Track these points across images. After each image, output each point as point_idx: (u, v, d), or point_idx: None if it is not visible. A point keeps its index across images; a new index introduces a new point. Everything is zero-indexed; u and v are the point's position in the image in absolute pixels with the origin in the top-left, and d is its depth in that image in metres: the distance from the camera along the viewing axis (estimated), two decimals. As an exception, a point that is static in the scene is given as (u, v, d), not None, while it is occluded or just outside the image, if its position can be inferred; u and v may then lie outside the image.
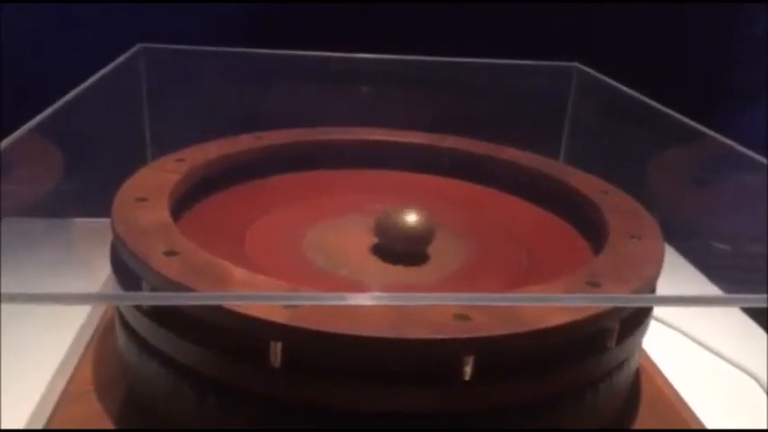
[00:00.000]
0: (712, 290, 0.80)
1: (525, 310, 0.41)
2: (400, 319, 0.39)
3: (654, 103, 0.70)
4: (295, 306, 0.39)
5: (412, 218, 0.55)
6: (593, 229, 0.58)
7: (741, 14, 1.02)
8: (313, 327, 0.38)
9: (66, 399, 0.51)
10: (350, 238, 0.58)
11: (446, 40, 0.85)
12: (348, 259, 0.56)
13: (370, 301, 0.39)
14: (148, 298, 0.43)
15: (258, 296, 0.41)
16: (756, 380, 0.67)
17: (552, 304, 0.42)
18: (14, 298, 0.31)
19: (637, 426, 0.51)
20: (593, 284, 0.45)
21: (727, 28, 1.04)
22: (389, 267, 0.55)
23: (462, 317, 0.40)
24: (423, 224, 0.56)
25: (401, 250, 0.56)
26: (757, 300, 0.36)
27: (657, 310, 0.53)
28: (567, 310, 0.41)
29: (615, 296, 0.45)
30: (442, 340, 0.39)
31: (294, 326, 0.38)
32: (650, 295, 0.49)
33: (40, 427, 0.50)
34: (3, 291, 0.31)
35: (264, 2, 0.94)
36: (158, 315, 0.44)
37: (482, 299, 0.42)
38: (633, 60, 0.94)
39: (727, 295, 0.40)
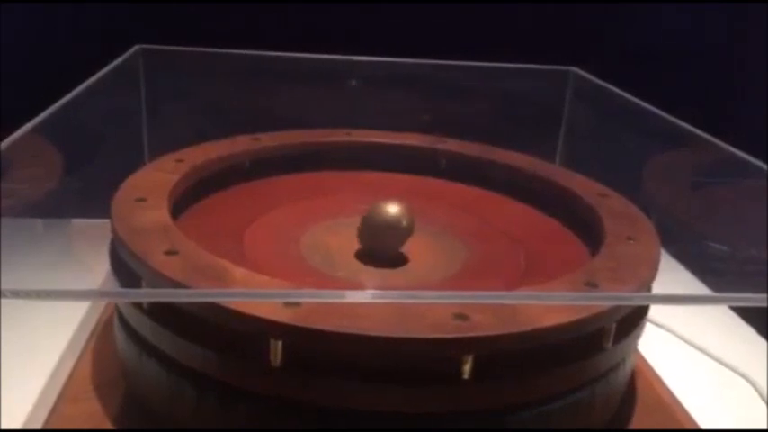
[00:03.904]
0: (706, 292, 0.80)
1: (523, 310, 0.41)
2: (400, 319, 0.40)
3: (650, 107, 0.71)
4: (295, 305, 0.39)
5: (391, 215, 0.55)
6: (590, 231, 0.59)
7: (739, 15, 1.03)
8: (313, 325, 0.39)
9: (64, 398, 0.51)
10: (347, 240, 0.58)
11: (444, 43, 0.85)
12: (346, 261, 0.56)
13: (370, 299, 0.40)
14: (149, 294, 0.43)
15: (258, 293, 0.41)
16: (749, 381, 0.67)
17: (551, 303, 0.42)
18: (17, 294, 0.31)
19: (633, 426, 0.51)
20: (591, 285, 0.46)
21: (725, 30, 1.05)
22: (387, 269, 0.56)
23: (461, 316, 0.40)
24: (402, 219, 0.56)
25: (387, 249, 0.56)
26: (757, 299, 0.36)
27: (652, 313, 0.54)
28: (565, 311, 0.42)
29: (614, 294, 0.45)
30: (442, 339, 0.39)
31: (295, 325, 0.39)
32: (648, 294, 0.49)
33: (38, 426, 0.50)
34: (3, 287, 0.31)
35: (264, 2, 0.94)
36: (158, 314, 0.44)
37: (481, 297, 0.42)
38: (630, 65, 0.94)
39: (727, 294, 0.40)
